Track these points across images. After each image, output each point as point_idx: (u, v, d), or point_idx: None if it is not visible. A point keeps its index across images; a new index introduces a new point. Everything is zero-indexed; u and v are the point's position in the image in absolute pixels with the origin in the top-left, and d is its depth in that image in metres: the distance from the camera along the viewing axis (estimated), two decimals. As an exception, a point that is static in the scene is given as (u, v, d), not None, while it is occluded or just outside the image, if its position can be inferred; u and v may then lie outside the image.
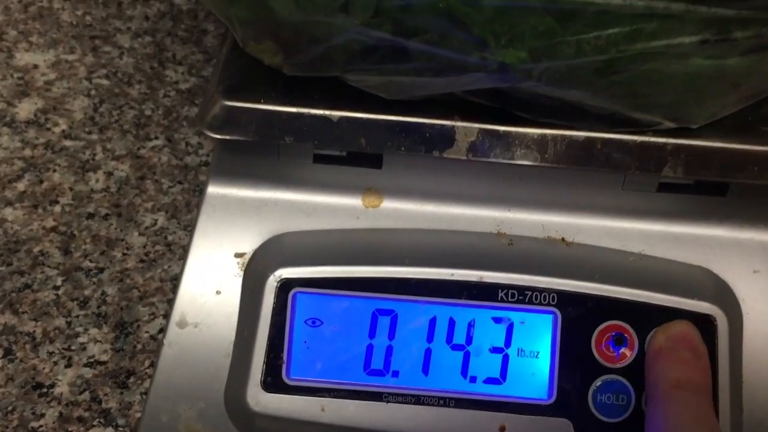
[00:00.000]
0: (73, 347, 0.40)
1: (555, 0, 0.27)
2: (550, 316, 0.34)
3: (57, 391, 0.39)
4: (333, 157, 0.35)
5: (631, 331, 0.34)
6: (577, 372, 0.34)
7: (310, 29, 0.30)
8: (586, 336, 0.34)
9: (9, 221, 0.45)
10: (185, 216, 0.46)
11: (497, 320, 0.34)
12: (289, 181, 0.36)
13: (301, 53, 0.31)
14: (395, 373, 0.34)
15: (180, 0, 0.58)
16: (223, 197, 0.35)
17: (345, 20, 0.29)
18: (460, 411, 0.34)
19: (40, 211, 0.46)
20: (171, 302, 0.34)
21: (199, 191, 0.46)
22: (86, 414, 0.38)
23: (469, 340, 0.34)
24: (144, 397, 0.38)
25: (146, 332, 0.41)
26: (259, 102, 0.33)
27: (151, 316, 0.41)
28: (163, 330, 0.35)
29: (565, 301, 0.34)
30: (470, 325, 0.34)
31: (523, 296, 0.34)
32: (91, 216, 0.45)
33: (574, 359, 0.34)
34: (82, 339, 0.40)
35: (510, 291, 0.34)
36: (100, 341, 0.40)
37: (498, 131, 0.32)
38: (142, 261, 0.44)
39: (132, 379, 0.39)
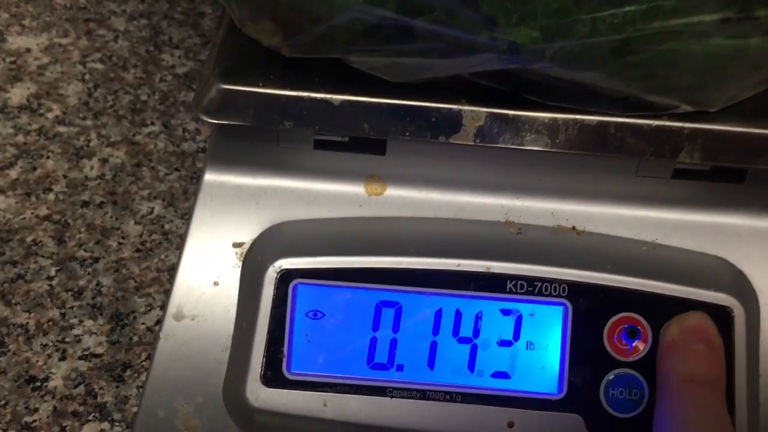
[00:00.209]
0: (67, 339, 0.40)
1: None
2: (561, 308, 0.34)
3: (51, 384, 0.38)
4: (334, 142, 0.35)
5: (645, 323, 0.34)
6: (588, 366, 0.34)
7: (310, 7, 0.29)
8: (598, 328, 0.34)
9: (1, 210, 0.45)
10: (182, 204, 0.45)
11: (505, 312, 0.34)
12: (289, 167, 0.35)
13: (301, 33, 0.31)
14: (400, 367, 0.34)
15: (176, -18, 0.58)
16: (220, 185, 0.35)
17: (347, -2, 0.28)
18: (466, 406, 0.34)
19: (33, 199, 0.45)
20: (168, 293, 0.34)
21: (197, 178, 0.46)
22: (81, 408, 0.38)
23: (476, 332, 0.34)
24: (140, 390, 0.38)
25: (143, 324, 0.41)
26: (257, 85, 0.32)
27: (148, 307, 0.41)
28: (159, 322, 0.35)
29: (575, 292, 0.34)
30: (477, 318, 0.34)
31: (533, 287, 0.34)
32: (85, 204, 0.45)
33: (585, 352, 0.34)
34: (76, 331, 0.40)
35: (519, 282, 0.34)
36: (95, 333, 0.40)
37: (507, 115, 0.32)
38: (138, 250, 0.43)
39: (128, 373, 0.39)
